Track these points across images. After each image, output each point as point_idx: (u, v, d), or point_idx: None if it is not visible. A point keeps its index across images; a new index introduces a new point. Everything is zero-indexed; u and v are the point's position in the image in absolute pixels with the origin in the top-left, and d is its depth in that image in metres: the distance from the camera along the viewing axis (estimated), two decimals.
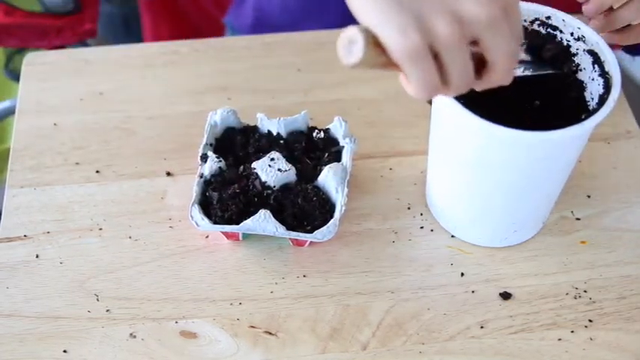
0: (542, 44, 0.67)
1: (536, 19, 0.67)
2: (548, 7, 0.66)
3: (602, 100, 0.62)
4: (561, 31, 0.66)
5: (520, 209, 0.68)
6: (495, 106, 0.70)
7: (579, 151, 0.65)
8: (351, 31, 0.50)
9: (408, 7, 0.50)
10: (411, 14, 0.50)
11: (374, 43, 0.51)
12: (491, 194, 0.66)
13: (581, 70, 0.66)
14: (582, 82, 0.66)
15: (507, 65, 0.54)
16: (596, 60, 0.64)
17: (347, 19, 0.66)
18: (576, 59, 0.66)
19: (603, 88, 0.63)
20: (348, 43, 0.51)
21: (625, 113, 0.81)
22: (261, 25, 1.02)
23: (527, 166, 0.63)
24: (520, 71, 0.64)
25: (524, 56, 0.64)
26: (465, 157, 0.64)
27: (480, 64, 0.54)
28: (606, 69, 0.63)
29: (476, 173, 0.65)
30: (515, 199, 0.67)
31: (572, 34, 0.66)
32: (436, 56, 0.51)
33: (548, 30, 0.67)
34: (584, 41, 0.65)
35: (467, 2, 0.50)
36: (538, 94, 0.70)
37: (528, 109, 0.71)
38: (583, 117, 0.64)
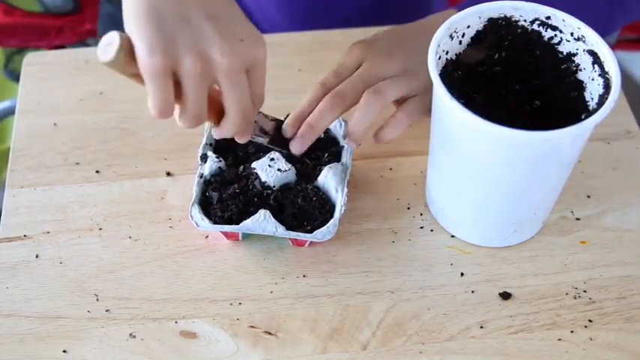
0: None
1: (536, 19, 0.67)
2: (549, 7, 0.66)
3: (602, 100, 0.62)
4: (561, 31, 0.66)
5: (519, 209, 0.68)
6: (496, 105, 0.70)
7: (579, 152, 0.65)
8: (113, 34, 0.55)
9: (164, 33, 0.55)
10: (165, 39, 0.55)
11: (129, 51, 0.56)
12: (491, 194, 0.66)
13: (580, 70, 0.66)
14: (582, 82, 0.66)
15: (237, 119, 0.60)
16: (596, 60, 0.64)
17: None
18: (576, 59, 0.66)
19: (603, 88, 0.63)
20: (106, 44, 0.55)
21: (625, 113, 0.81)
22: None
23: (527, 165, 0.63)
24: (261, 140, 0.69)
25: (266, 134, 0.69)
26: (464, 156, 0.64)
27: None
28: (606, 69, 0.63)
29: (475, 173, 0.65)
30: (515, 198, 0.67)
31: (572, 34, 0.66)
32: (178, 83, 0.57)
33: (548, 30, 0.67)
34: (584, 41, 0.65)
35: (215, 48, 0.57)
36: (538, 94, 0.70)
37: (528, 109, 0.71)
38: (583, 117, 0.64)
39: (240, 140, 0.65)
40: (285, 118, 0.70)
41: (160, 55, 0.55)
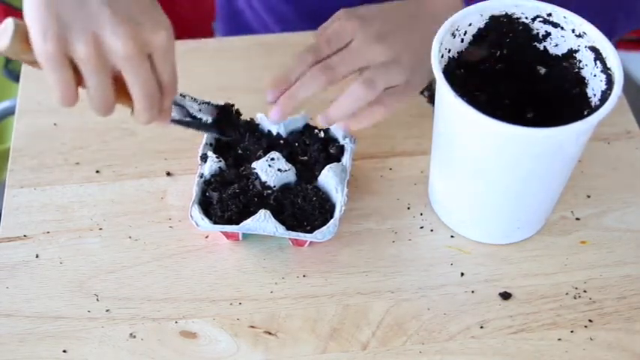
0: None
1: (538, 16, 0.67)
2: (550, 4, 0.66)
3: (605, 96, 0.62)
4: (562, 28, 0.66)
5: (523, 205, 0.68)
6: (498, 103, 0.70)
7: (582, 148, 0.65)
8: (8, 20, 0.54)
9: (59, 17, 0.53)
10: (59, 24, 0.53)
11: (25, 37, 0.55)
12: (495, 190, 0.66)
13: (582, 67, 0.66)
14: (584, 78, 0.66)
15: (143, 105, 0.58)
16: (598, 56, 0.64)
17: None
18: (578, 56, 0.66)
19: (605, 84, 0.63)
20: (3, 30, 0.55)
21: (625, 113, 0.81)
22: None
23: (531, 162, 0.63)
24: (180, 115, 0.68)
25: (196, 111, 0.68)
26: (467, 153, 0.64)
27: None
28: (608, 65, 0.63)
29: (478, 170, 0.65)
30: (519, 195, 0.67)
31: (573, 30, 0.66)
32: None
33: (549, 27, 0.67)
34: (585, 38, 0.65)
35: (108, 32, 0.54)
36: (540, 92, 0.70)
37: (531, 107, 0.71)
38: (585, 113, 0.64)
39: (161, 125, 0.64)
40: (208, 103, 0.69)
41: (53, 40, 0.53)
